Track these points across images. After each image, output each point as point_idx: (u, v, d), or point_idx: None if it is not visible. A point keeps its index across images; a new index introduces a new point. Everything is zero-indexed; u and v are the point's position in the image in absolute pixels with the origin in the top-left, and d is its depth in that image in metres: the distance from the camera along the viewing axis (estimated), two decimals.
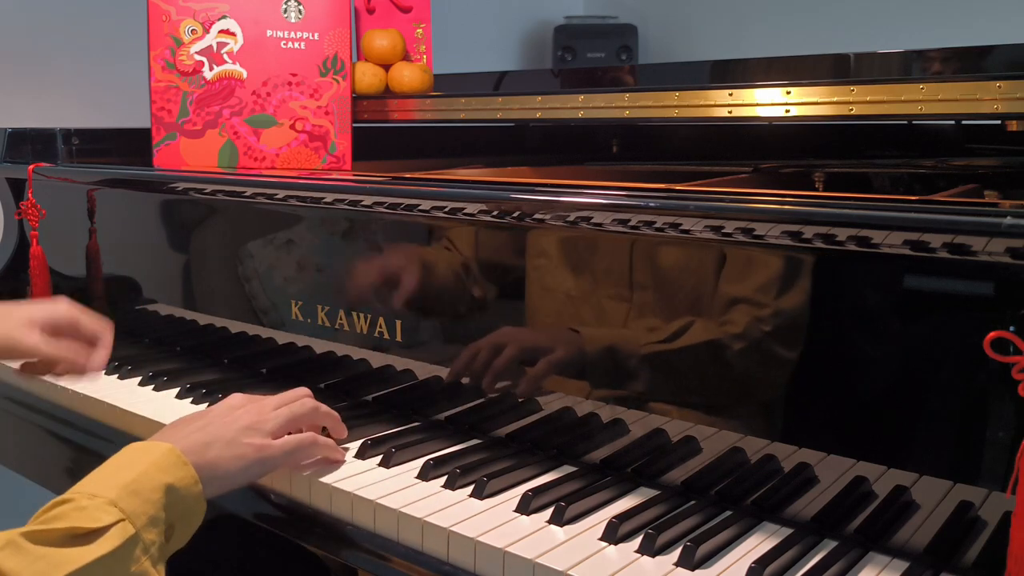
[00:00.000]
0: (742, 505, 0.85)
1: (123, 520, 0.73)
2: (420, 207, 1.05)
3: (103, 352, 1.12)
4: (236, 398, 0.94)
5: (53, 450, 1.23)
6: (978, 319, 0.72)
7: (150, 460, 0.78)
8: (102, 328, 1.13)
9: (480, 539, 0.79)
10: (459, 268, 1.05)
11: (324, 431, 0.99)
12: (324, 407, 0.98)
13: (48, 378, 1.20)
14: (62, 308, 1.10)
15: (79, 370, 1.10)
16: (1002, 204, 0.86)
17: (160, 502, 0.76)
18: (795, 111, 1.09)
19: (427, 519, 0.83)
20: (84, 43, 2.10)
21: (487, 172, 1.43)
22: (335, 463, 0.95)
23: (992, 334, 0.65)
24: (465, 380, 1.03)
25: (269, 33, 1.48)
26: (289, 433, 0.93)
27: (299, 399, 0.96)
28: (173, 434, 0.85)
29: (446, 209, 1.02)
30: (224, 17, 1.46)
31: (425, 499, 0.87)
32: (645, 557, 0.77)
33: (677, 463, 0.89)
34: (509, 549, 0.77)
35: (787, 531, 0.81)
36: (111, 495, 0.73)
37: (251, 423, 0.89)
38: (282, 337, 1.23)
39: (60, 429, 1.20)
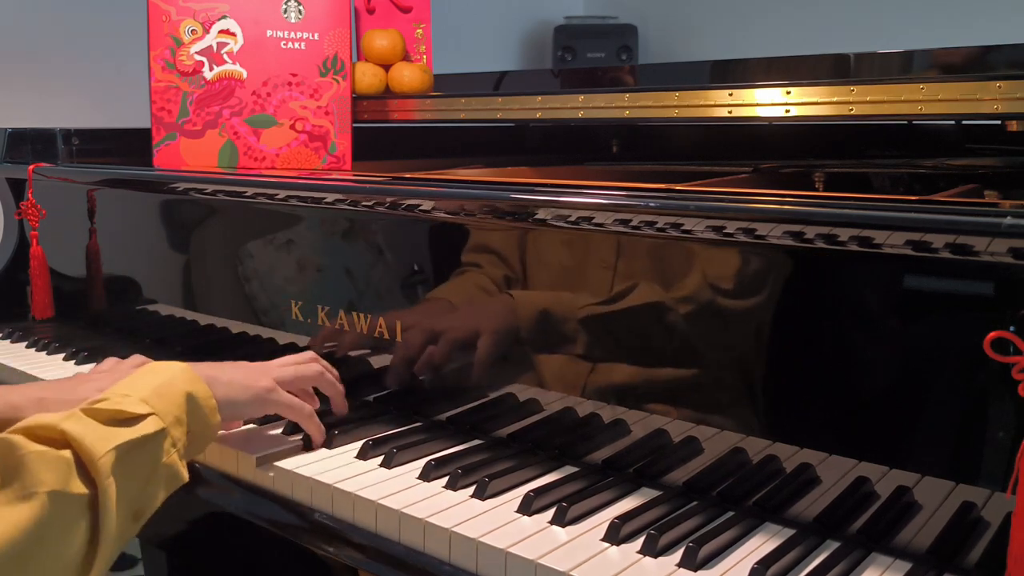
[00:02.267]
0: (744, 506, 0.85)
1: (154, 414, 0.81)
2: (420, 207, 1.05)
3: None
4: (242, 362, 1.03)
5: None
6: (978, 319, 0.72)
7: (172, 373, 0.88)
8: None
9: (482, 540, 0.79)
10: (459, 268, 1.05)
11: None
12: (329, 376, 1.05)
13: None
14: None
15: None
16: (1002, 204, 0.86)
17: (183, 407, 0.85)
18: (795, 111, 1.09)
19: (429, 520, 0.82)
20: (84, 43, 2.10)
21: (487, 172, 1.43)
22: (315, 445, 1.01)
23: (992, 334, 0.65)
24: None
25: (269, 33, 1.48)
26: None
27: (307, 361, 1.04)
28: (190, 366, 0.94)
29: (446, 209, 1.02)
30: (224, 17, 1.46)
31: (427, 500, 0.87)
32: (647, 558, 0.77)
33: (679, 464, 0.89)
34: (511, 550, 0.77)
35: (789, 532, 0.81)
36: (142, 394, 0.82)
37: (259, 368, 0.99)
38: (282, 337, 1.23)
39: None
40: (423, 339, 1.07)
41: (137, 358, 1.14)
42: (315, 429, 1.00)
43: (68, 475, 0.73)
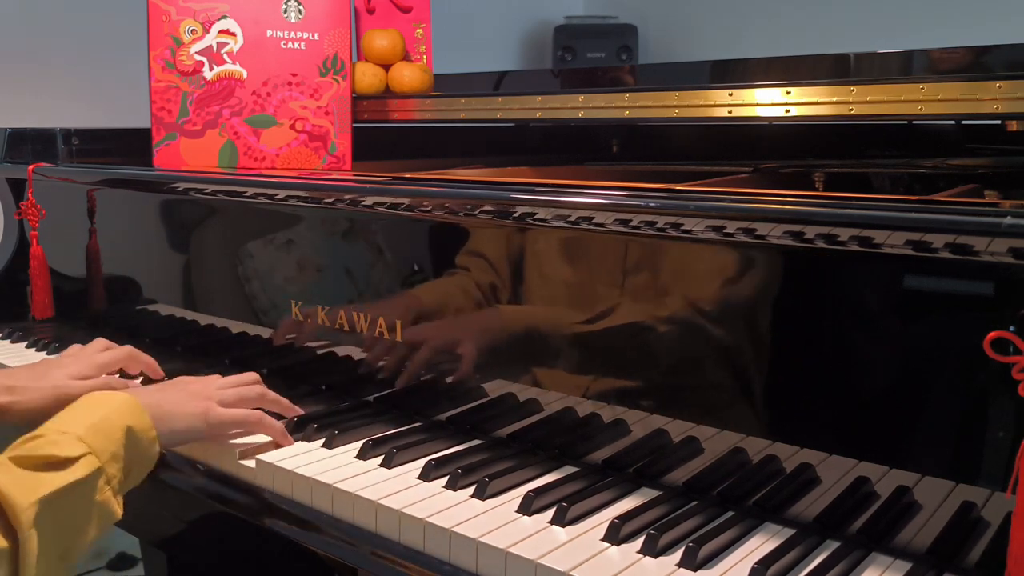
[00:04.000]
0: (744, 506, 0.85)
1: (90, 453, 0.81)
2: (420, 207, 1.05)
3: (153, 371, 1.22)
4: (187, 377, 1.05)
5: None
6: (978, 319, 0.72)
7: (112, 406, 0.88)
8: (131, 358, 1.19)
9: (482, 540, 0.79)
10: (459, 268, 1.05)
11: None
12: (271, 394, 1.05)
13: None
14: (91, 364, 1.13)
15: None
16: (1002, 204, 0.86)
17: (121, 442, 0.85)
18: (795, 111, 1.09)
19: (429, 519, 0.82)
20: (84, 43, 2.10)
21: (487, 172, 1.43)
22: (283, 445, 1.00)
23: (992, 334, 0.65)
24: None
25: (269, 33, 1.48)
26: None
27: (248, 383, 1.05)
28: (132, 391, 0.96)
29: (446, 209, 1.02)
30: (224, 17, 1.46)
31: (427, 499, 0.87)
32: (647, 558, 0.77)
33: (679, 464, 0.89)
34: (511, 550, 0.77)
35: (789, 532, 0.81)
36: (79, 432, 0.82)
37: (201, 390, 1.00)
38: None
39: None
40: (423, 339, 1.07)
41: (99, 343, 1.18)
42: (271, 430, 1.01)
43: None
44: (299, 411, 1.07)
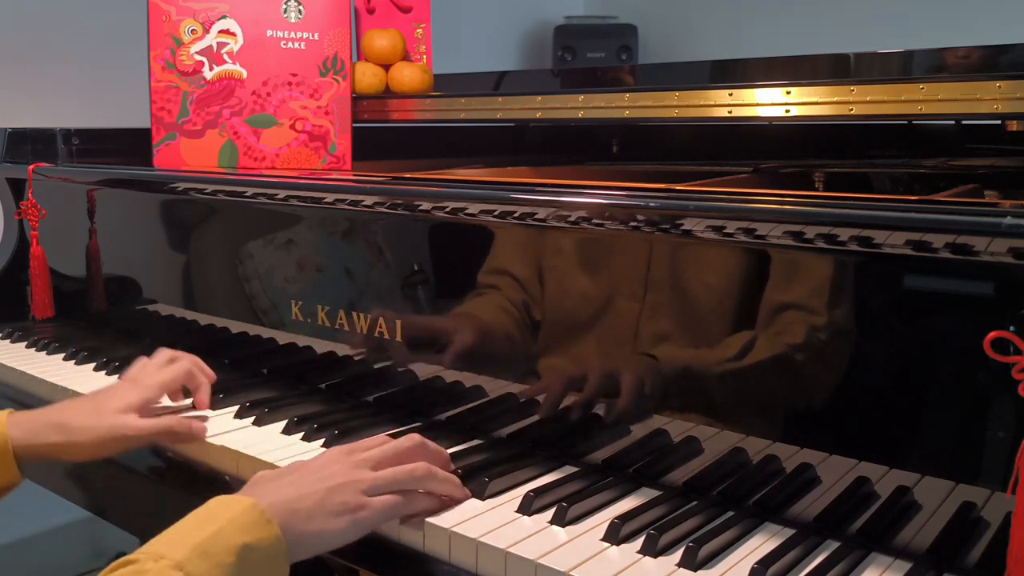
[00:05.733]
0: (744, 506, 0.85)
1: None
2: (420, 207, 1.05)
3: (204, 396, 1.10)
4: (336, 451, 0.85)
5: None
6: (978, 319, 0.72)
7: (228, 517, 0.73)
8: (190, 372, 1.10)
9: (482, 540, 0.79)
10: (459, 268, 1.05)
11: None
12: (441, 473, 0.86)
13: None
14: (152, 384, 1.05)
15: (188, 438, 1.04)
16: (1002, 204, 0.86)
17: (232, 566, 0.70)
18: (795, 111, 1.09)
19: (428, 519, 0.82)
20: (84, 43, 2.10)
21: (487, 172, 1.43)
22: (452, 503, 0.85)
23: (992, 334, 0.65)
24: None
25: (269, 33, 1.48)
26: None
27: (408, 449, 0.86)
28: (261, 488, 0.79)
29: (446, 209, 1.02)
30: (224, 17, 1.46)
31: None
32: (647, 558, 0.77)
33: (679, 464, 0.89)
34: (511, 550, 0.77)
35: (789, 532, 0.81)
36: (178, 556, 0.69)
37: (348, 480, 0.80)
38: (282, 337, 1.23)
39: None
40: (423, 339, 1.07)
41: (163, 355, 1.10)
42: (433, 503, 0.84)
43: None
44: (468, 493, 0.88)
